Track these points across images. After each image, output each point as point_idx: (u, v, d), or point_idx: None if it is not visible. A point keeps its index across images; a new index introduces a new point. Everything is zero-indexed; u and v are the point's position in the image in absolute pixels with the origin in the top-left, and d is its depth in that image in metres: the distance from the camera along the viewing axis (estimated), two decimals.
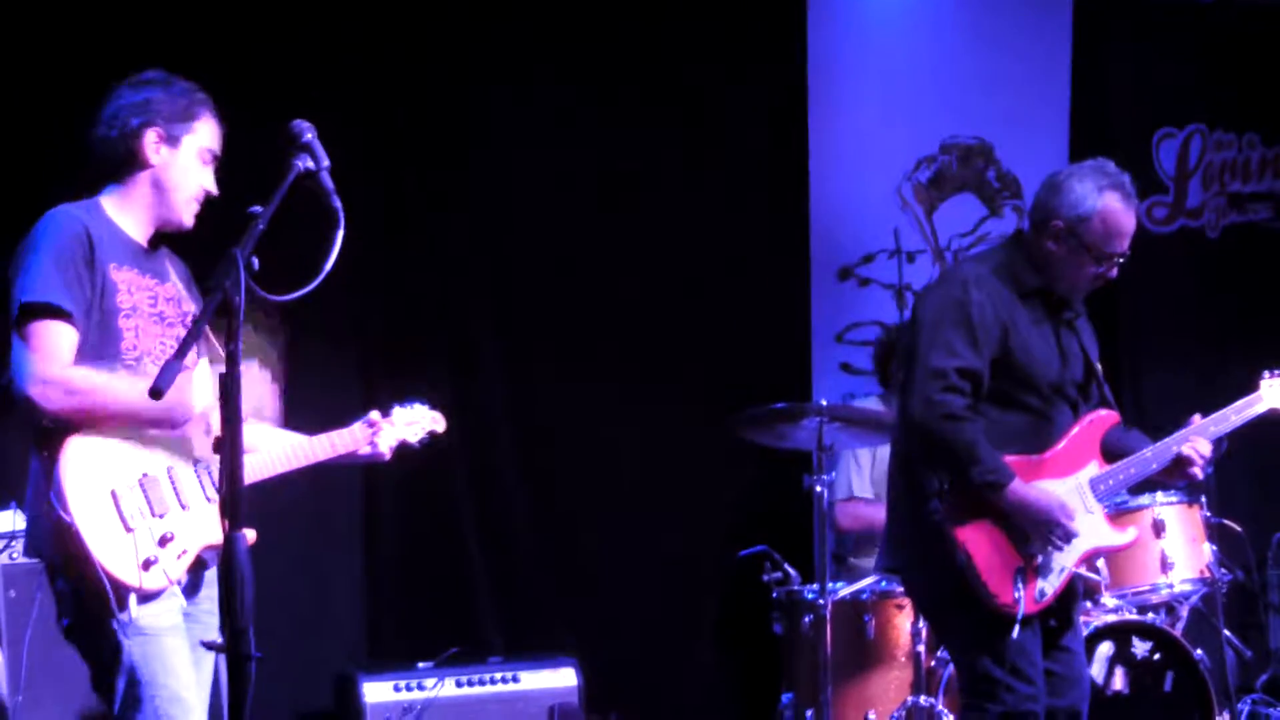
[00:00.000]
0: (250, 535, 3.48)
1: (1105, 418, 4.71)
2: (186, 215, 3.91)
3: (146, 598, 3.63)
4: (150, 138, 3.83)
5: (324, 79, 6.45)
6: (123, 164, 3.85)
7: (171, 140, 3.85)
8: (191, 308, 3.92)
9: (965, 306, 4.51)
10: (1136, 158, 7.73)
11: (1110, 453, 4.71)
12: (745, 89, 7.13)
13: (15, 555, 5.26)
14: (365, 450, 4.18)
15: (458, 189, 6.83)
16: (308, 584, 6.50)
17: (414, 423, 4.33)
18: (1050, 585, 4.55)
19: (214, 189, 3.92)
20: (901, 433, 4.68)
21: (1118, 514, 5.32)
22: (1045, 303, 4.65)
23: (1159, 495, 5.73)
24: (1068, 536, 4.51)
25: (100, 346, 3.72)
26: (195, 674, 3.76)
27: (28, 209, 3.89)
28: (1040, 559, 4.52)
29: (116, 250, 3.79)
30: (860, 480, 6.56)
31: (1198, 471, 4.70)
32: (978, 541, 4.48)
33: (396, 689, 6.01)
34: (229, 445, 3.10)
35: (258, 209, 3.30)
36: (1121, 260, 4.61)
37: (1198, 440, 4.70)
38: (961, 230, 7.58)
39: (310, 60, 6.47)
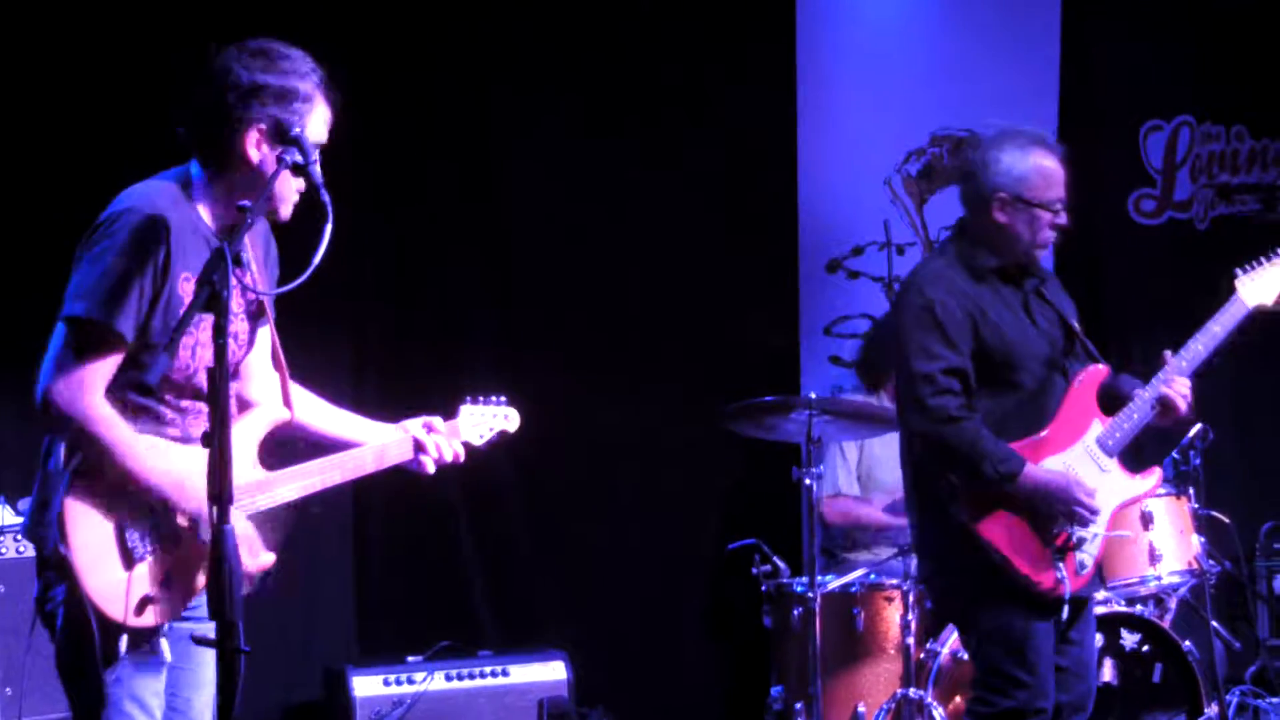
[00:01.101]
0: (270, 559, 3.43)
1: (1094, 374, 4.69)
2: (284, 212, 3.52)
3: (136, 637, 3.42)
4: (253, 136, 3.45)
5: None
6: (220, 153, 3.48)
7: (280, 138, 3.43)
8: (264, 287, 3.59)
9: (929, 309, 4.54)
10: (1124, 150, 7.76)
11: (1111, 400, 4.70)
12: (735, 82, 7.13)
13: (5, 551, 5.25)
14: (408, 462, 3.90)
15: (449, 186, 6.83)
16: (298, 577, 6.48)
17: (480, 423, 4.07)
18: (1089, 556, 4.55)
19: (303, 186, 3.50)
20: (908, 446, 4.69)
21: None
22: (1005, 279, 4.66)
23: (1158, 471, 5.72)
24: (1090, 511, 4.51)
25: (152, 360, 3.34)
26: (182, 684, 3.60)
27: (110, 169, 3.70)
28: (1071, 533, 4.51)
29: (191, 253, 3.44)
30: (847, 476, 6.56)
31: (1182, 406, 4.65)
32: (1005, 535, 4.48)
33: (386, 683, 6.02)
34: (216, 440, 3.10)
35: (247, 203, 3.30)
36: (1063, 208, 4.63)
37: (1176, 381, 4.67)
38: (951, 222, 7.50)
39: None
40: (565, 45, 6.95)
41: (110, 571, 3.39)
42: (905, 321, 4.60)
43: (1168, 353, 4.72)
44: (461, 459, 3.98)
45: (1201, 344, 4.73)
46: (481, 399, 4.12)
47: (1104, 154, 7.75)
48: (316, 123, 3.51)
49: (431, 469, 3.93)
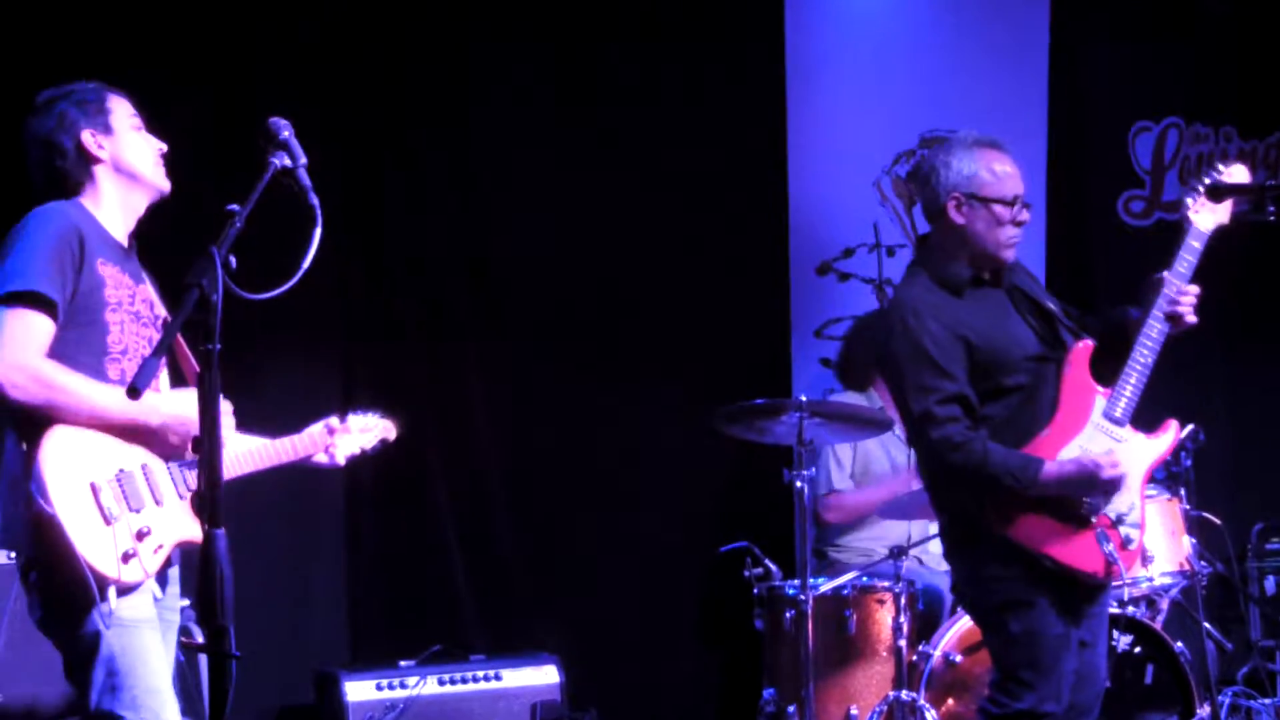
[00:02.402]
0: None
1: (1082, 351, 4.62)
2: (160, 179, 3.95)
3: (124, 590, 3.62)
4: (88, 139, 3.87)
5: (303, 75, 6.45)
6: (80, 173, 3.89)
7: (105, 129, 3.89)
8: (163, 312, 3.93)
9: (916, 340, 4.49)
10: (1113, 151, 7.76)
11: (1111, 343, 4.64)
12: (724, 83, 7.13)
13: None
14: (322, 458, 4.24)
15: (437, 184, 6.83)
16: (289, 582, 6.49)
17: (368, 430, 4.39)
18: (1133, 530, 4.52)
19: (163, 145, 3.98)
20: (929, 482, 4.66)
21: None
22: (980, 286, 4.64)
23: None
24: (1120, 481, 4.48)
25: (88, 341, 3.72)
26: (165, 657, 3.77)
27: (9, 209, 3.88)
28: (1108, 511, 4.50)
29: (103, 247, 3.80)
30: (840, 474, 6.56)
31: (1190, 316, 4.62)
32: (1042, 533, 4.44)
33: (379, 687, 6.01)
34: (208, 443, 3.10)
35: (235, 207, 3.30)
36: (1022, 205, 4.59)
37: (1186, 292, 4.63)
38: None
39: (288, 56, 6.46)
40: (554, 46, 6.94)
41: (93, 527, 3.61)
42: (895, 358, 4.56)
43: (1166, 273, 4.63)
44: (341, 463, 4.32)
45: (1184, 265, 4.70)
46: (362, 410, 4.42)
47: (1093, 155, 7.76)
48: (118, 106, 3.95)
49: (342, 460, 4.29)
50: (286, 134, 3.41)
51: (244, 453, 4.02)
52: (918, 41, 7.61)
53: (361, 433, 4.35)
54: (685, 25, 7.09)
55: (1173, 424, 4.76)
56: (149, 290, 3.93)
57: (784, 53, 7.32)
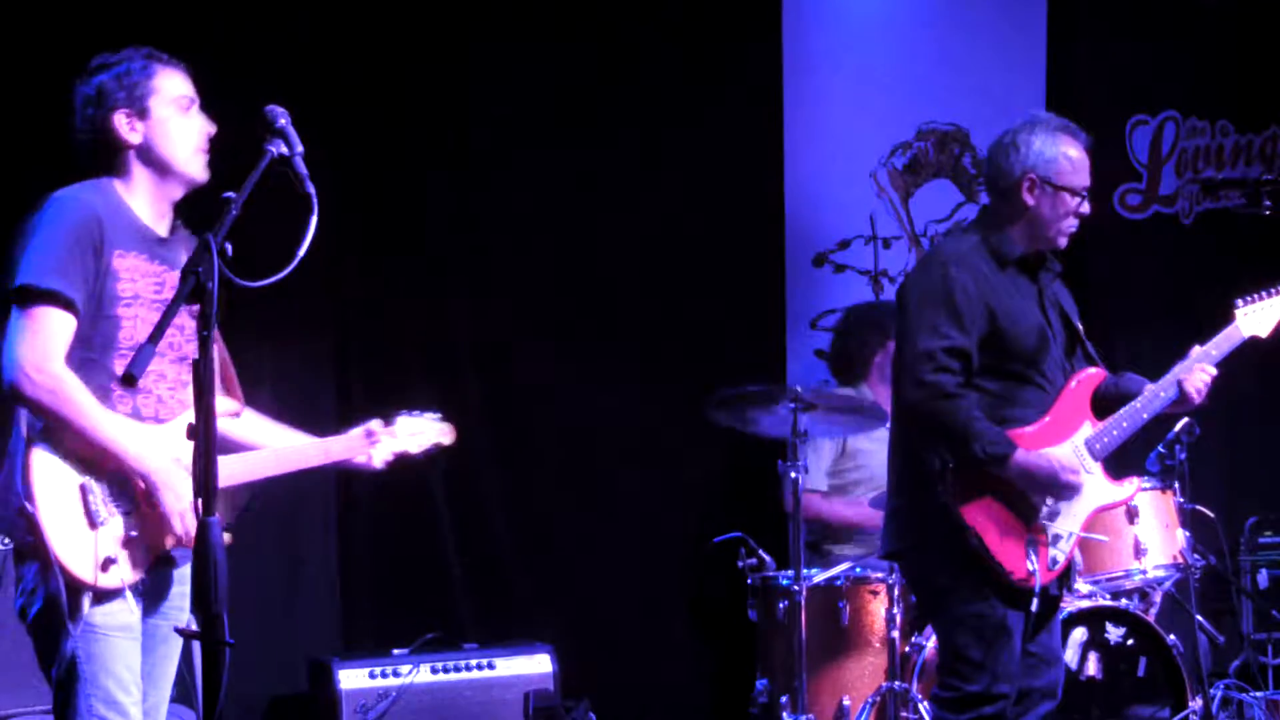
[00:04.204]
0: (226, 538, 3.47)
1: (1091, 377, 4.75)
2: (195, 170, 3.82)
3: (101, 597, 3.57)
4: (120, 121, 3.75)
5: (300, 67, 6.44)
6: (110, 155, 3.78)
7: (140, 113, 3.77)
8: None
9: (948, 287, 4.57)
10: (1110, 144, 7.76)
11: (1108, 402, 4.76)
12: (720, 74, 7.12)
13: None
14: (360, 459, 4.13)
15: (433, 178, 6.81)
16: (282, 570, 6.49)
17: (419, 434, 4.26)
18: (1061, 552, 4.61)
19: (211, 128, 3.85)
20: (899, 419, 4.73)
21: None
22: (1025, 271, 4.71)
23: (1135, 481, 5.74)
24: (1077, 490, 4.56)
25: (98, 334, 3.66)
26: (140, 674, 3.69)
27: (30, 191, 3.81)
28: (1049, 528, 4.56)
29: (125, 236, 3.71)
30: (816, 473, 6.48)
31: (1193, 392, 4.74)
32: (985, 520, 4.52)
33: (372, 675, 6.01)
34: (202, 432, 3.09)
35: (231, 194, 3.30)
36: (1086, 197, 4.71)
37: (1195, 371, 4.76)
38: (938, 216, 7.59)
39: (288, 55, 6.45)
40: (551, 40, 6.93)
41: (75, 530, 3.55)
42: (918, 296, 4.64)
43: (1197, 346, 4.84)
44: (379, 468, 4.19)
45: (1215, 350, 4.85)
46: (416, 411, 4.29)
47: (1090, 148, 7.75)
48: (168, 83, 3.81)
49: (379, 463, 4.16)
50: (283, 121, 3.38)
51: (275, 455, 3.97)
52: (914, 32, 7.60)
53: (411, 436, 4.22)
54: (681, 15, 7.08)
55: (1134, 480, 4.92)
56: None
57: (781, 44, 7.31)
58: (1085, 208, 4.71)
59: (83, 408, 3.56)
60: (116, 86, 3.75)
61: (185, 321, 3.72)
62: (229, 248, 3.19)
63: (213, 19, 6.27)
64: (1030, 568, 4.52)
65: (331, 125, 6.34)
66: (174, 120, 3.80)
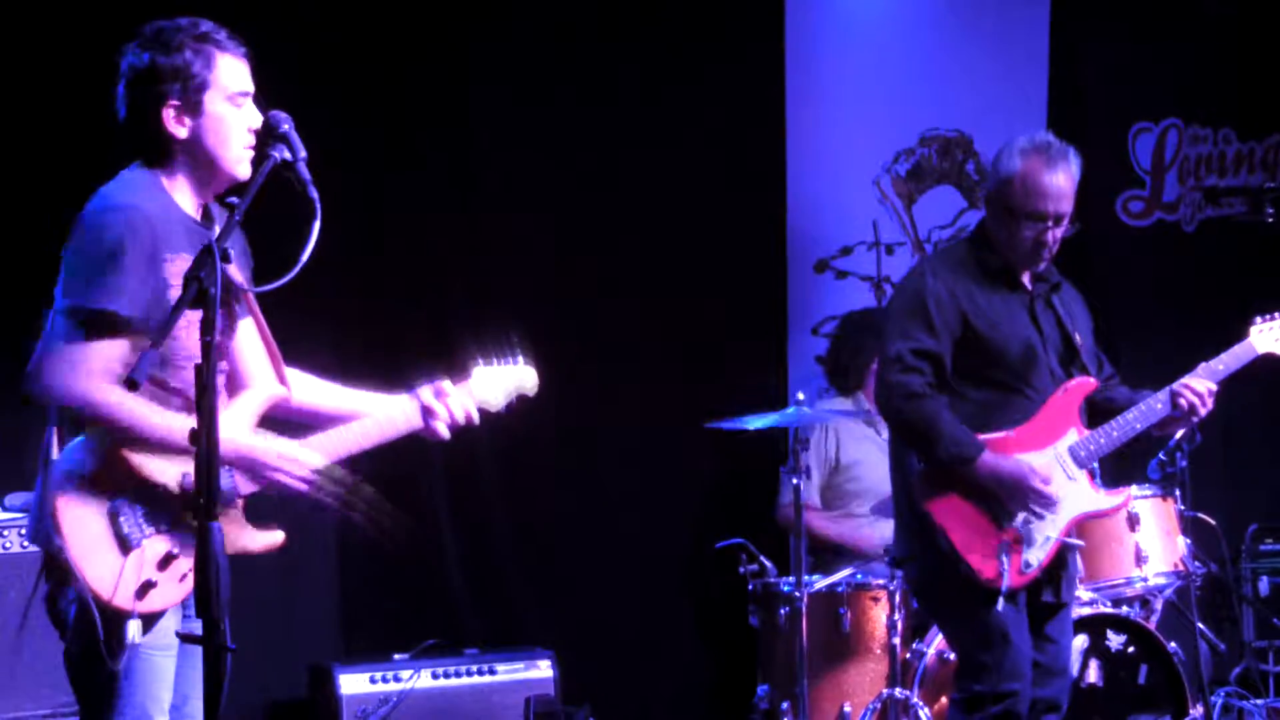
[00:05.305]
0: (279, 537, 3.44)
1: (1081, 385, 4.75)
2: (239, 170, 3.58)
3: (147, 623, 3.44)
4: (169, 115, 3.52)
5: (300, 67, 6.44)
6: (153, 146, 3.56)
7: (192, 108, 3.53)
8: (240, 278, 3.60)
9: (920, 294, 4.64)
10: (1113, 151, 7.77)
11: (1110, 412, 4.77)
12: (723, 81, 7.12)
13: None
14: (434, 424, 3.86)
15: (434, 181, 6.81)
16: (283, 575, 6.47)
17: (500, 383, 4.02)
18: (1035, 556, 4.60)
19: (258, 121, 3.54)
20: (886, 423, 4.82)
21: None
22: (1011, 283, 4.72)
23: (1133, 489, 5.74)
24: (1046, 502, 4.55)
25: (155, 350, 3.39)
26: (188, 683, 3.58)
27: (79, 173, 3.72)
28: (1022, 530, 4.56)
29: (172, 235, 3.50)
30: (808, 487, 6.44)
31: (1186, 407, 4.73)
32: (954, 519, 4.56)
33: (373, 680, 6.01)
34: (205, 436, 3.09)
35: (235, 200, 3.30)
36: (1053, 223, 4.63)
37: (1190, 382, 4.74)
38: (941, 222, 7.59)
39: (288, 55, 6.45)
40: (555, 40, 6.93)
41: (106, 558, 3.42)
42: (895, 304, 4.77)
43: (1203, 364, 4.83)
44: (475, 421, 3.95)
45: (1220, 365, 4.85)
46: (495, 359, 4.07)
47: (1092, 155, 7.71)
48: (227, 75, 3.57)
49: (445, 433, 3.90)
50: (287, 127, 3.38)
51: (349, 432, 3.81)
52: (918, 40, 7.60)
53: (491, 388, 3.96)
54: (685, 23, 7.08)
55: (1126, 491, 4.96)
56: (230, 272, 3.42)
57: (784, 50, 7.31)
58: (1049, 235, 4.64)
59: (128, 418, 3.42)
60: (171, 75, 3.51)
61: (232, 277, 3.52)
62: (232, 253, 3.18)
63: (212, 19, 6.27)
64: (1000, 569, 4.52)
65: (331, 125, 6.34)
66: (227, 118, 3.57)
